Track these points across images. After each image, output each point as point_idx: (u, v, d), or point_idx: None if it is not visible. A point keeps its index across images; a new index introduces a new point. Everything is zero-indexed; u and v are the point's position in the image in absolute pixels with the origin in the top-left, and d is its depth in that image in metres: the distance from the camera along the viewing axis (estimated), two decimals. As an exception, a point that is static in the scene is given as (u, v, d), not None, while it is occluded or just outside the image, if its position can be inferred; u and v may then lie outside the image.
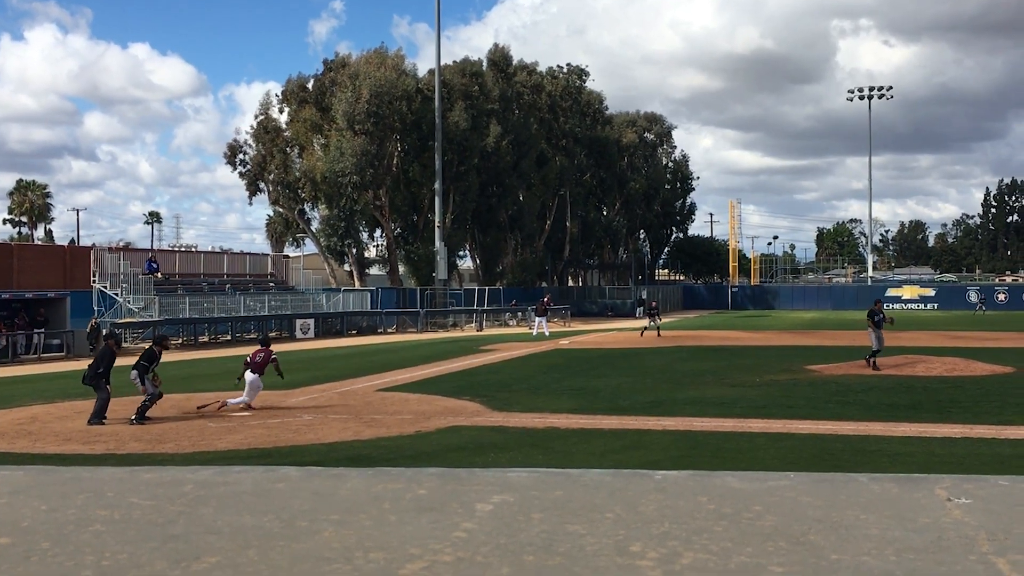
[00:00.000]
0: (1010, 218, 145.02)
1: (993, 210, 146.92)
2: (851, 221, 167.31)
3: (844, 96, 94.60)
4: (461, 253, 70.05)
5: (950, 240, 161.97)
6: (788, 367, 25.63)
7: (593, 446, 13.78)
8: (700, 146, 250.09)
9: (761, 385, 21.45)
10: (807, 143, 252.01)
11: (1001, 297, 74.19)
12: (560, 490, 3.63)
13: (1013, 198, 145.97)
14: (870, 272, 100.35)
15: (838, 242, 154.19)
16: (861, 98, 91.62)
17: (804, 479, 3.76)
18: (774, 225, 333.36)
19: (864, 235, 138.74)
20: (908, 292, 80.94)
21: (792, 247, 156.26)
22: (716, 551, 2.86)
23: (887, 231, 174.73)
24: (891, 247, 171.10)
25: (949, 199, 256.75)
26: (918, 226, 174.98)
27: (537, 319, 44.70)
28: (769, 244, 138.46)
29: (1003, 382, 21.71)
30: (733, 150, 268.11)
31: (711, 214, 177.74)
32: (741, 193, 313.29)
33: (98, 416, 16.45)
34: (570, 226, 75.30)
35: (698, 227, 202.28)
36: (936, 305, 78.28)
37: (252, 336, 44.16)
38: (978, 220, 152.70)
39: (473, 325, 52.91)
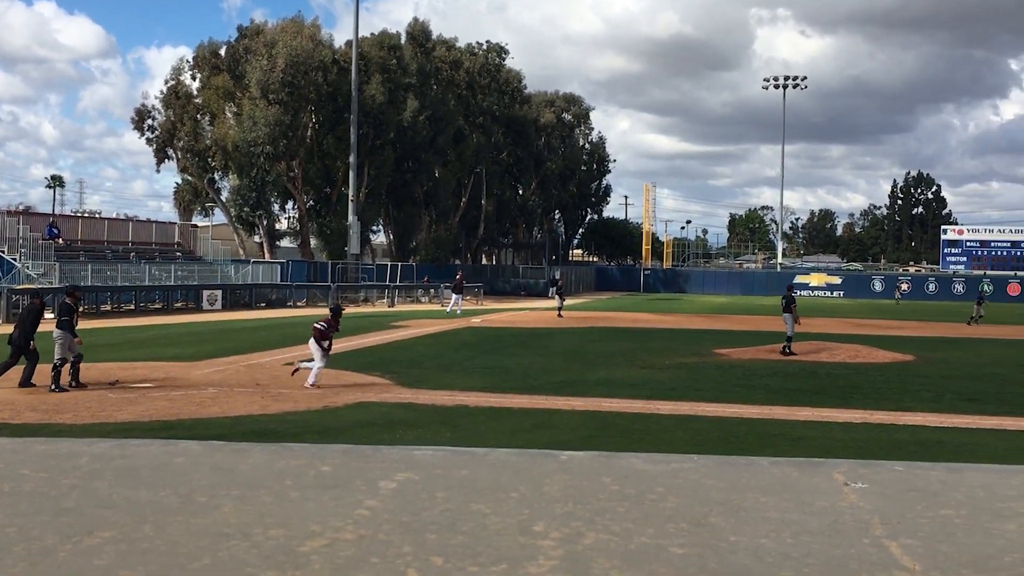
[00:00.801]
0: (915, 210, 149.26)
1: (900, 202, 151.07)
2: (763, 208, 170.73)
3: (760, 84, 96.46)
4: (374, 228, 69.40)
5: (857, 230, 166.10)
6: (697, 350, 25.91)
7: (502, 425, 13.73)
8: (617, 128, 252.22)
9: (670, 367, 21.61)
10: (723, 129, 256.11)
11: (904, 287, 76.61)
12: (465, 469, 3.61)
13: (919, 191, 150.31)
14: (780, 259, 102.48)
15: (750, 228, 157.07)
16: (776, 87, 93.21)
17: (707, 461, 3.81)
18: (688, 210, 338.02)
19: (775, 222, 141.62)
20: (816, 280, 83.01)
21: (705, 232, 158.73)
22: (618, 532, 2.87)
23: (797, 219, 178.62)
24: (801, 235, 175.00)
25: (858, 189, 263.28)
26: (827, 215, 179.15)
27: (454, 296, 44.63)
28: (682, 228, 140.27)
29: (903, 369, 22.28)
30: (650, 134, 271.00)
31: (626, 196, 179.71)
32: (656, 177, 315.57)
33: (28, 381, 16.05)
34: (485, 204, 75.22)
35: (613, 209, 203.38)
36: (842, 293, 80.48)
37: (157, 306, 43.07)
38: (885, 211, 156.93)
39: (385, 301, 52.52)
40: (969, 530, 3.12)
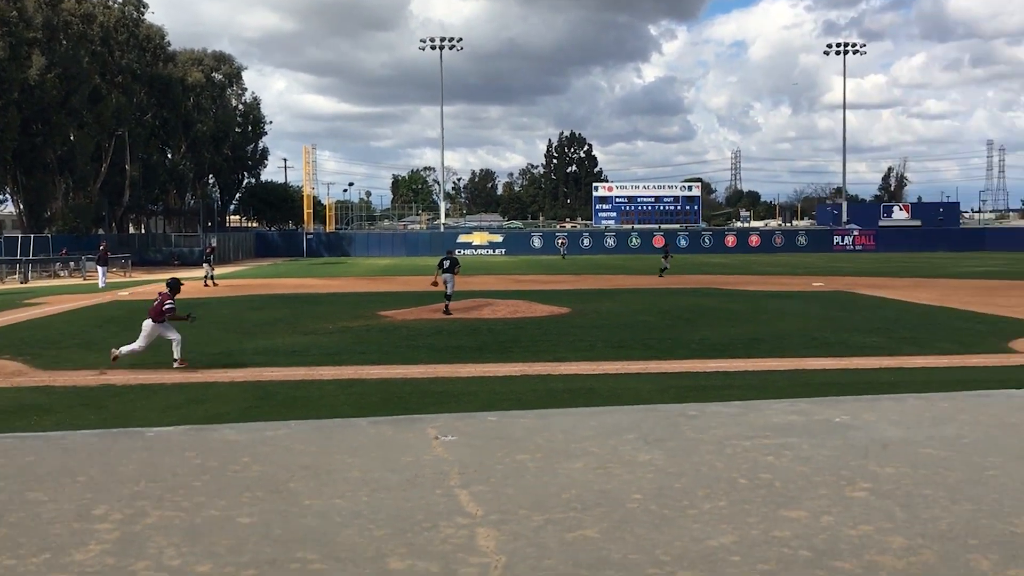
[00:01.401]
0: (569, 169, 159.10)
1: (555, 161, 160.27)
2: (425, 169, 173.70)
3: (417, 45, 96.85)
4: (0, 197, 62.91)
5: (517, 188, 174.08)
6: (361, 314, 25.85)
7: (153, 402, 13.08)
8: (273, 89, 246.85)
9: (334, 332, 21.49)
10: (383, 90, 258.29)
11: (560, 242, 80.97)
12: (33, 455, 3.29)
13: (572, 150, 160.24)
14: (443, 219, 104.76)
15: (413, 189, 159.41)
16: (433, 48, 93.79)
17: (304, 427, 3.76)
18: (350, 171, 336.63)
19: (437, 183, 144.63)
20: (478, 238, 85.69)
21: (368, 194, 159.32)
22: (187, 507, 2.75)
23: (459, 179, 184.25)
24: (463, 195, 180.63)
25: (516, 149, 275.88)
26: (488, 175, 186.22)
27: (99, 269, 41.66)
28: (345, 191, 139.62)
29: (559, 322, 23.51)
30: (308, 94, 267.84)
31: (285, 159, 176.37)
32: (317, 138, 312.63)
33: None
34: (130, 169, 70.40)
35: (272, 172, 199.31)
36: (504, 251, 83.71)
37: None
38: (542, 170, 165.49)
39: (16, 277, 47.76)
40: (539, 472, 3.31)
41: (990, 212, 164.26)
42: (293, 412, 11.96)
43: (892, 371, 15.30)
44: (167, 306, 16.59)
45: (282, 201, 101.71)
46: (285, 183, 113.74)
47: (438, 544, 2.59)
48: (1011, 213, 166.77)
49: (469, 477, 3.16)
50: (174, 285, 17.41)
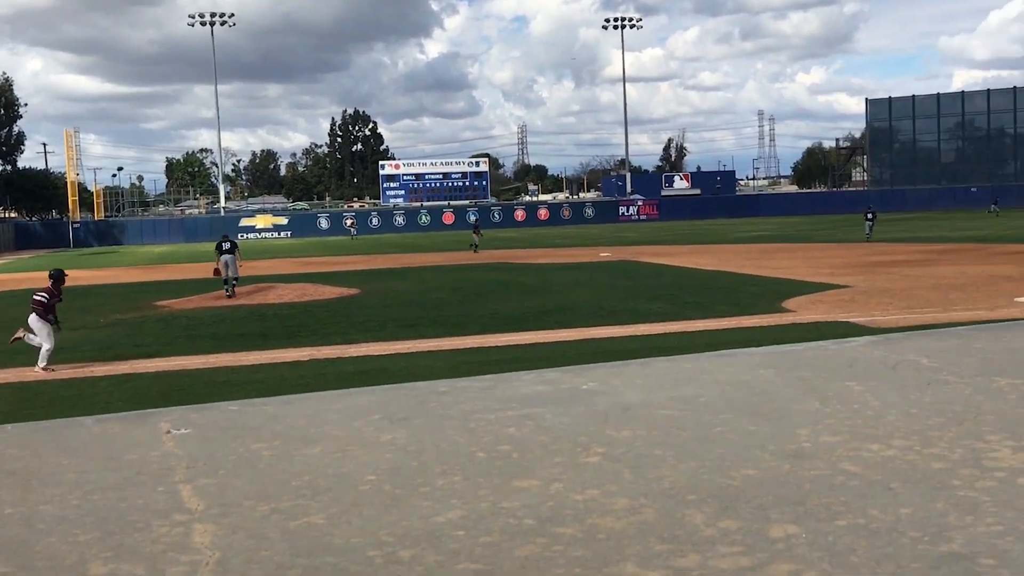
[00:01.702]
0: (355, 147, 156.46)
1: (339, 140, 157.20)
2: (202, 151, 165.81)
3: (186, 21, 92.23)
4: None
5: (301, 169, 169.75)
6: (136, 305, 24.89)
7: (-102, 411, 12.01)
8: (28, 69, 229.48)
9: (106, 326, 20.59)
10: (151, 69, 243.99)
11: (349, 222, 79.58)
12: None
13: (356, 128, 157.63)
14: (223, 203, 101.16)
15: (189, 173, 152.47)
16: (203, 24, 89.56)
17: (21, 430, 3.55)
18: (119, 156, 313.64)
19: (216, 165, 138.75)
20: (262, 221, 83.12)
21: (140, 179, 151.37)
22: None
23: (239, 161, 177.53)
24: (244, 176, 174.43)
25: (299, 128, 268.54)
26: (270, 155, 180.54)
27: None
28: (114, 176, 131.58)
29: (349, 303, 23.34)
30: (68, 74, 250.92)
31: (45, 144, 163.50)
32: (80, 121, 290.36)
33: None
34: None
35: (31, 159, 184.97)
36: (289, 233, 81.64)
37: None
38: (326, 149, 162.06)
39: None
40: (273, 460, 3.26)
41: (763, 179, 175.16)
42: (61, 413, 11.29)
43: (677, 336, 15.95)
44: (42, 298, 15.08)
45: (43, 189, 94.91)
46: (46, 169, 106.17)
47: (148, 545, 2.51)
48: (782, 179, 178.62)
49: (197, 471, 3.07)
50: (58, 276, 15.92)
